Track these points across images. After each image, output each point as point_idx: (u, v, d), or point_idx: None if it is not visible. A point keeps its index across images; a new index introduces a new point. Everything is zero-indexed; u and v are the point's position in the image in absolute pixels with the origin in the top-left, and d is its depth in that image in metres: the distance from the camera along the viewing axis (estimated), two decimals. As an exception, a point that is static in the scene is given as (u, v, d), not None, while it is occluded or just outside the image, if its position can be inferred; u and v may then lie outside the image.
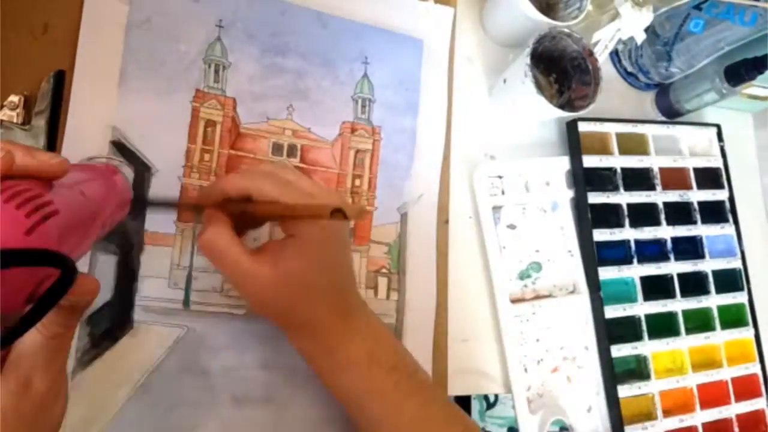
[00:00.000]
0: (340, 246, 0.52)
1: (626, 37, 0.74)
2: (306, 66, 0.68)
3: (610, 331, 0.75)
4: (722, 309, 0.83)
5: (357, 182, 0.69)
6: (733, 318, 0.83)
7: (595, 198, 0.78)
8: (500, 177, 0.77)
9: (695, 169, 0.86)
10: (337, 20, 0.70)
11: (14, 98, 0.56)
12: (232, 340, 0.60)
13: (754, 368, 0.83)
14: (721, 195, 0.87)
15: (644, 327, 0.77)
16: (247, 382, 0.60)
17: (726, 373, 0.80)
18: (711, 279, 0.82)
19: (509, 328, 0.72)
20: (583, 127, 0.80)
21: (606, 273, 0.77)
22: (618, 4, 0.73)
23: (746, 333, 0.83)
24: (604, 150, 0.81)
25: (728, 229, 0.86)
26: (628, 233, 0.79)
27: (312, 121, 0.68)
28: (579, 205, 0.78)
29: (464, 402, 0.68)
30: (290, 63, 0.67)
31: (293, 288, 0.49)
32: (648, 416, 0.75)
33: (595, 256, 0.77)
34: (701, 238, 0.84)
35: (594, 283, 0.76)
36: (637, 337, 0.77)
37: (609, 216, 0.79)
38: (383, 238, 0.69)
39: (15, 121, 0.56)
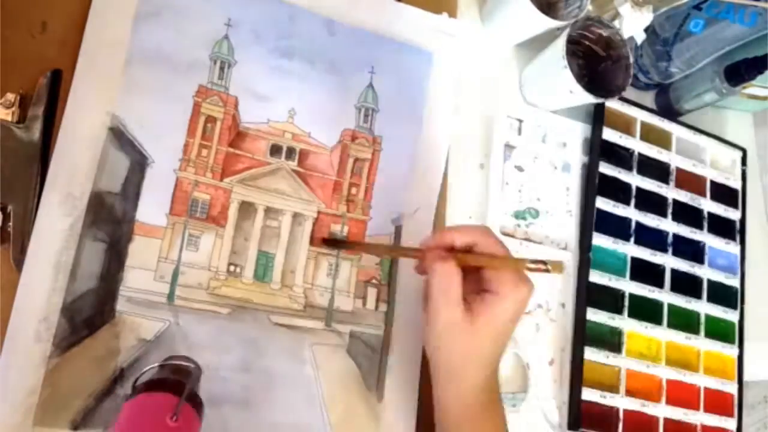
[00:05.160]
0: (519, 317, 0.52)
1: (626, 37, 0.70)
2: (311, 71, 0.64)
3: (591, 295, 0.71)
4: (710, 319, 0.78)
5: (353, 190, 0.65)
6: (720, 331, 0.79)
7: (606, 169, 0.75)
8: (520, 120, 0.74)
9: (713, 182, 0.82)
10: (347, 28, 0.66)
11: (10, 96, 0.53)
12: (214, 338, 0.56)
13: (731, 388, 0.77)
14: (733, 215, 0.83)
15: (626, 303, 0.73)
16: (226, 382, 0.55)
17: (700, 380, 0.76)
18: (705, 286, 0.78)
19: None
20: (610, 102, 0.76)
21: (600, 240, 0.73)
22: (618, 4, 0.69)
23: (730, 351, 0.78)
24: (626, 131, 0.78)
25: (733, 247, 0.82)
26: (632, 213, 0.75)
27: (313, 125, 0.63)
28: (589, 169, 0.75)
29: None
30: (296, 67, 0.63)
31: (481, 344, 0.50)
32: (610, 388, 0.70)
33: (593, 218, 0.73)
34: (704, 245, 0.80)
35: (585, 244, 0.72)
36: (617, 310, 0.73)
37: (617, 191, 0.75)
38: None
39: (10, 119, 0.53)
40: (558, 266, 0.48)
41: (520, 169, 0.73)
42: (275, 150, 0.62)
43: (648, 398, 0.72)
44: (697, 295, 0.78)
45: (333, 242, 0.62)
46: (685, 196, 0.80)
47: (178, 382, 0.47)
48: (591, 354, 0.70)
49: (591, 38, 0.72)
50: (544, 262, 0.48)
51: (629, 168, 0.77)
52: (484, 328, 0.50)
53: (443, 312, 0.50)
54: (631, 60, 0.70)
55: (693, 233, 0.79)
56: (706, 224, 0.81)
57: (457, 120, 0.71)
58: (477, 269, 0.51)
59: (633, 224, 0.76)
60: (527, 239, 0.72)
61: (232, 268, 0.59)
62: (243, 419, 0.56)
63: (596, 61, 0.74)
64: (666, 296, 0.76)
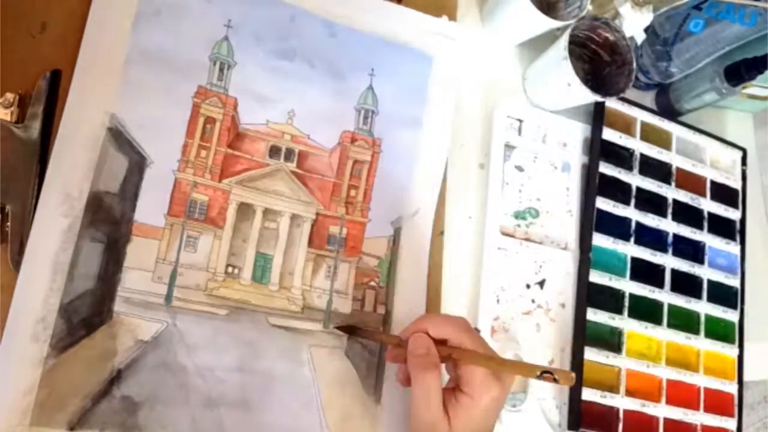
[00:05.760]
0: (497, 413, 0.53)
1: (626, 36, 0.69)
2: (311, 72, 0.63)
3: (591, 295, 0.70)
4: (710, 319, 0.76)
5: (352, 192, 0.63)
6: (720, 331, 0.77)
7: (606, 169, 0.73)
8: (520, 120, 0.72)
9: (713, 182, 0.81)
10: (347, 30, 0.65)
11: (9, 96, 0.52)
12: (212, 340, 0.55)
13: (731, 388, 0.76)
14: (733, 214, 0.82)
15: (626, 303, 0.72)
16: (223, 383, 0.54)
17: (700, 380, 0.74)
18: (705, 286, 0.77)
19: (492, 257, 0.67)
20: (610, 102, 0.75)
21: (600, 240, 0.71)
22: (618, 4, 0.68)
23: (730, 351, 0.77)
24: (626, 131, 0.76)
25: (733, 247, 0.80)
26: (632, 213, 0.74)
27: (312, 127, 0.62)
28: (589, 169, 0.73)
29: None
30: (295, 68, 0.62)
31: None
32: (610, 388, 0.69)
33: (593, 218, 0.71)
34: (704, 245, 0.78)
35: (586, 244, 0.71)
36: (617, 310, 0.71)
37: (616, 191, 0.74)
38: (374, 251, 0.63)
39: (9, 118, 0.52)
40: (567, 377, 0.47)
41: (520, 169, 0.72)
42: (274, 151, 0.61)
43: (648, 398, 0.71)
44: (697, 295, 0.77)
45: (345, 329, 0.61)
46: (685, 196, 0.78)
47: None
48: (591, 354, 0.69)
49: (597, 41, 0.71)
50: (550, 372, 0.48)
51: (629, 168, 0.75)
52: (464, 423, 0.50)
53: (423, 417, 0.50)
54: (634, 66, 0.69)
55: (693, 233, 0.78)
56: (706, 224, 0.79)
57: (457, 120, 0.70)
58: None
59: (633, 224, 0.75)
60: (527, 239, 0.70)
61: (230, 269, 0.58)
62: (240, 421, 0.55)
63: (601, 66, 0.73)
64: (666, 296, 0.75)
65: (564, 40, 0.65)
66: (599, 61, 0.72)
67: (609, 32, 0.70)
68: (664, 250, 0.76)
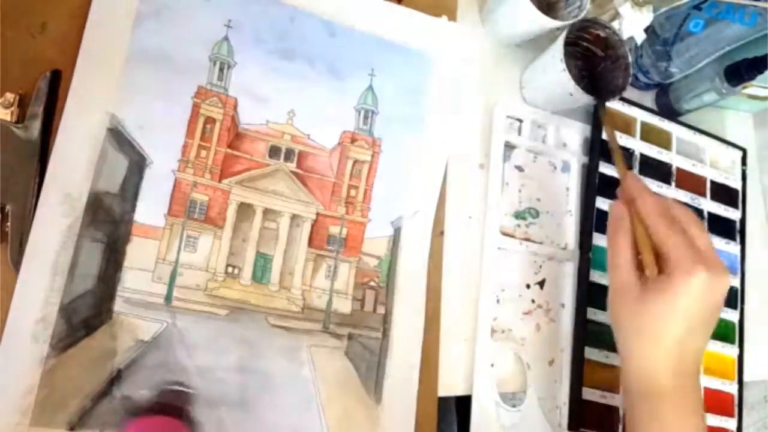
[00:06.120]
0: (714, 312, 0.51)
1: (626, 37, 0.68)
2: (311, 72, 0.62)
3: (591, 295, 0.69)
4: None
5: (352, 192, 0.63)
6: (720, 331, 0.77)
7: (606, 169, 0.72)
8: (520, 120, 0.72)
9: (713, 182, 0.81)
10: (347, 30, 0.64)
11: (9, 96, 0.51)
12: (211, 340, 0.55)
13: (731, 388, 0.76)
14: (733, 214, 0.81)
15: None
16: (223, 383, 0.54)
17: (700, 380, 0.77)
18: None
19: (492, 257, 0.67)
20: (611, 102, 0.73)
21: (600, 240, 0.71)
22: (618, 4, 0.68)
23: (730, 351, 0.77)
24: (626, 131, 0.76)
25: (733, 247, 0.80)
26: None
27: (312, 127, 0.62)
28: (589, 169, 0.73)
29: (465, 402, 0.64)
30: (295, 68, 0.62)
31: (654, 321, 0.50)
32: (610, 388, 0.68)
33: (593, 218, 0.71)
34: None
35: (585, 244, 0.70)
36: None
37: (617, 191, 0.77)
38: (374, 251, 0.63)
39: (9, 119, 0.51)
40: None
41: (520, 169, 0.71)
42: (274, 151, 0.61)
43: (648, 398, 0.70)
44: (697, 294, 0.76)
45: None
46: (685, 196, 0.78)
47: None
48: (591, 354, 0.68)
49: (589, 39, 0.71)
50: None
51: (629, 168, 0.75)
52: (655, 306, 0.49)
53: (616, 279, 0.52)
54: (630, 60, 0.68)
55: (693, 233, 0.77)
56: (706, 224, 0.79)
57: (457, 120, 0.69)
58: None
59: (633, 224, 0.74)
60: (527, 239, 0.70)
61: (230, 269, 0.58)
62: (240, 421, 0.55)
63: (595, 62, 0.72)
64: (666, 296, 0.74)
65: (559, 51, 0.65)
66: (593, 57, 0.72)
67: (600, 30, 0.69)
68: (664, 249, 0.75)
